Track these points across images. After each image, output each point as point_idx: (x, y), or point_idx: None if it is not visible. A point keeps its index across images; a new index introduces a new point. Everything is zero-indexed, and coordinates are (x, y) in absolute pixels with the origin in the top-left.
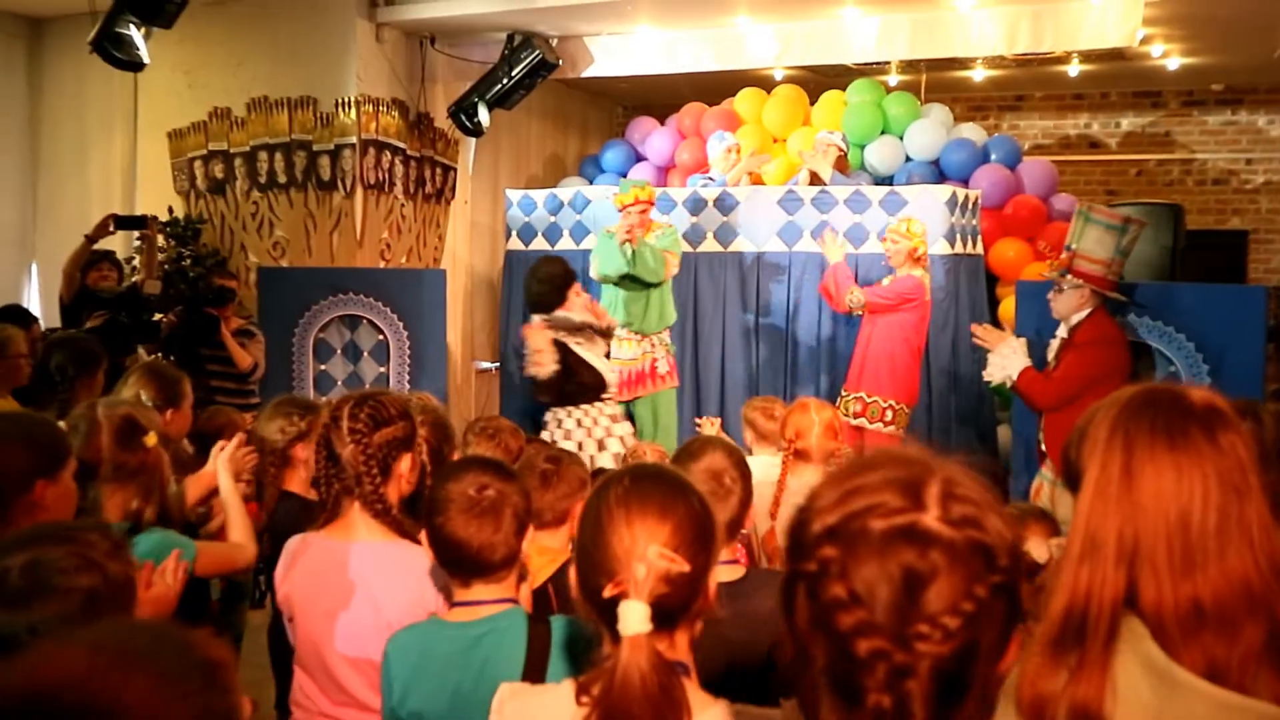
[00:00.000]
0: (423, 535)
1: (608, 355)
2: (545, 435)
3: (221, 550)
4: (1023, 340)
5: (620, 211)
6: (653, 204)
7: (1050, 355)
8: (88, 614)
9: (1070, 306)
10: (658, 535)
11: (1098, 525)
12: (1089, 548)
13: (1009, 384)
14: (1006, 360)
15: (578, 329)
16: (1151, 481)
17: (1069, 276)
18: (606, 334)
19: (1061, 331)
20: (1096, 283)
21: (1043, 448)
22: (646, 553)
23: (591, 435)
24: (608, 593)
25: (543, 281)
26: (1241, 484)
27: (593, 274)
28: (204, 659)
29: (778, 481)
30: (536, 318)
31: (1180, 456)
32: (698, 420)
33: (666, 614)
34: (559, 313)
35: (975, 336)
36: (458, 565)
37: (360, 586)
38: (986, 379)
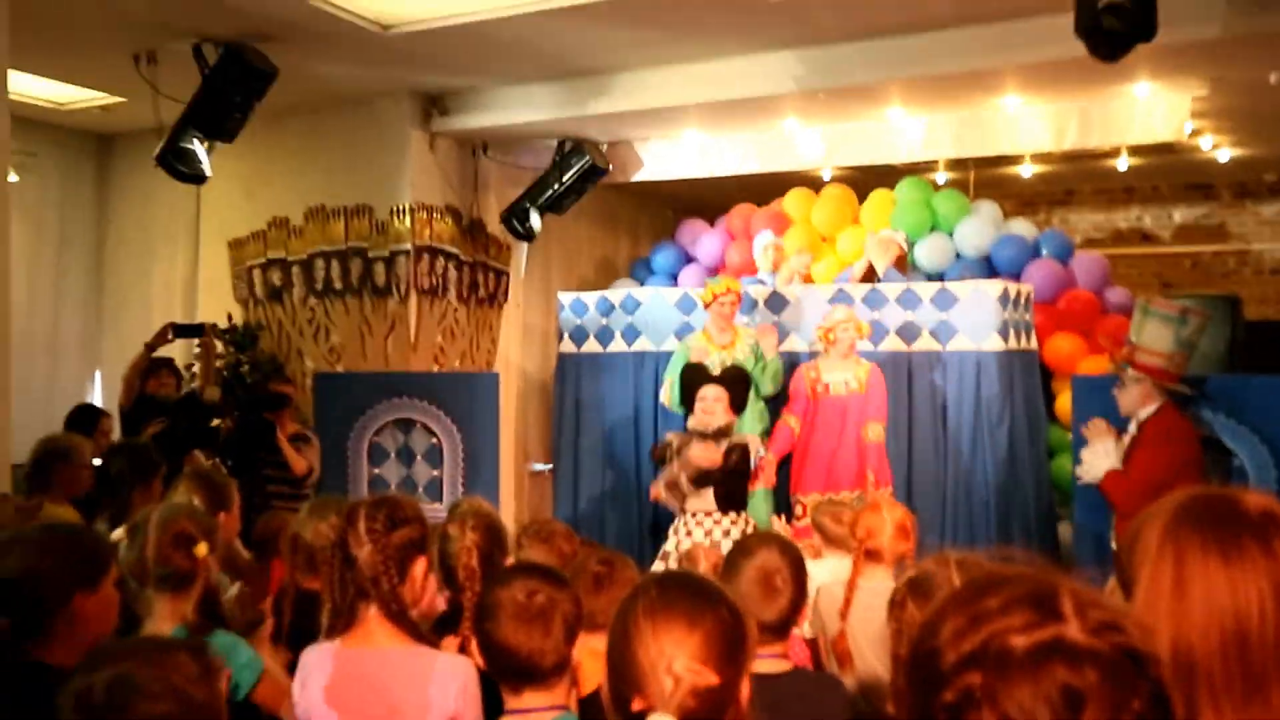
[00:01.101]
0: (472, 644)
1: None
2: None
3: (285, 685)
4: (1115, 442)
5: (707, 308)
6: (740, 299)
7: (1122, 453)
8: None
9: (1135, 401)
10: (685, 646)
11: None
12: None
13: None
14: (1099, 460)
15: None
16: (1203, 594)
17: (1130, 370)
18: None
19: (1131, 428)
20: (1158, 375)
21: (1114, 546)
22: (673, 665)
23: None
24: (635, 706)
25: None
26: None
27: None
28: None
29: (848, 583)
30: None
31: (1233, 567)
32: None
33: None
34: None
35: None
36: (508, 672)
37: (381, 697)
38: (1078, 476)
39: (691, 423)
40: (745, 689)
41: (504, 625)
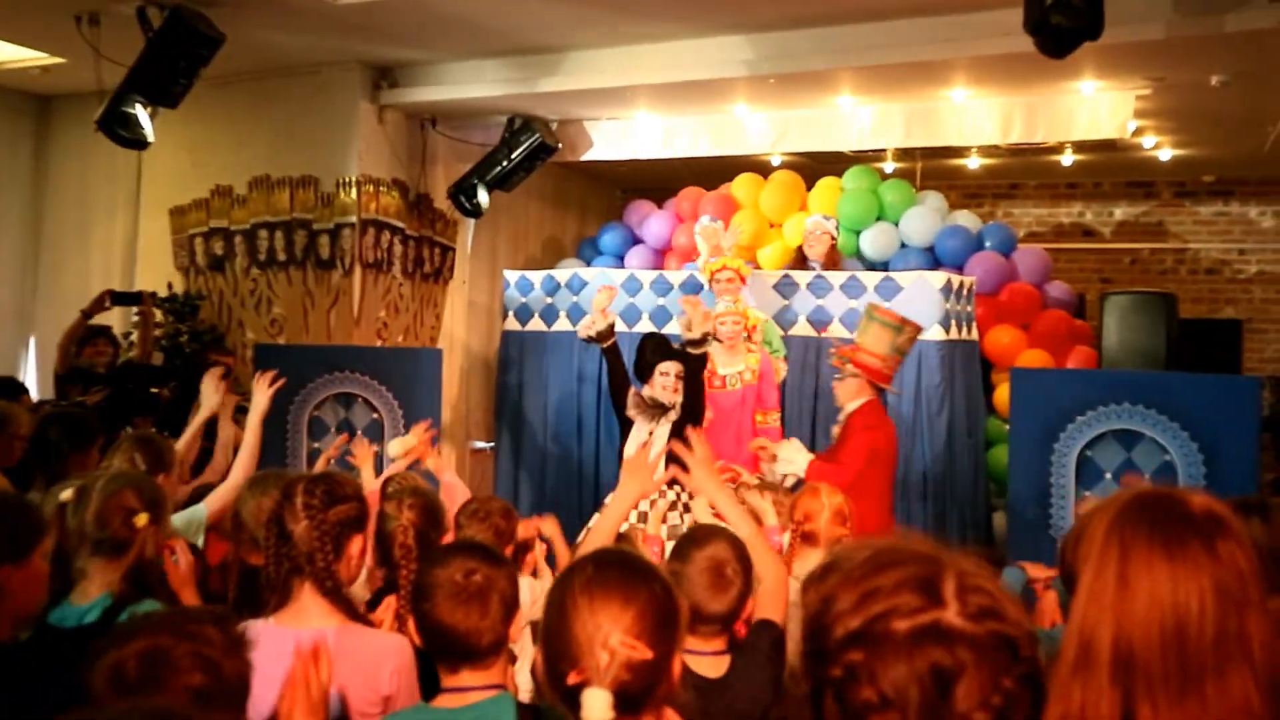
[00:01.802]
0: (409, 622)
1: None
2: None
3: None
4: (796, 440)
5: (710, 280)
6: (741, 278)
7: (832, 438)
8: (198, 710)
9: (849, 394)
10: (620, 622)
11: (1091, 632)
12: (1083, 656)
13: (799, 477)
14: (796, 455)
15: (649, 408)
16: (1146, 590)
17: (850, 366)
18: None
19: (840, 418)
20: (872, 374)
21: None
22: (609, 640)
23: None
24: (571, 680)
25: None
26: (1241, 596)
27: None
28: None
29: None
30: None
31: (1177, 565)
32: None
33: (630, 700)
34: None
35: (758, 451)
36: (445, 651)
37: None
38: (780, 475)
39: (648, 392)
40: (677, 664)
41: (441, 605)
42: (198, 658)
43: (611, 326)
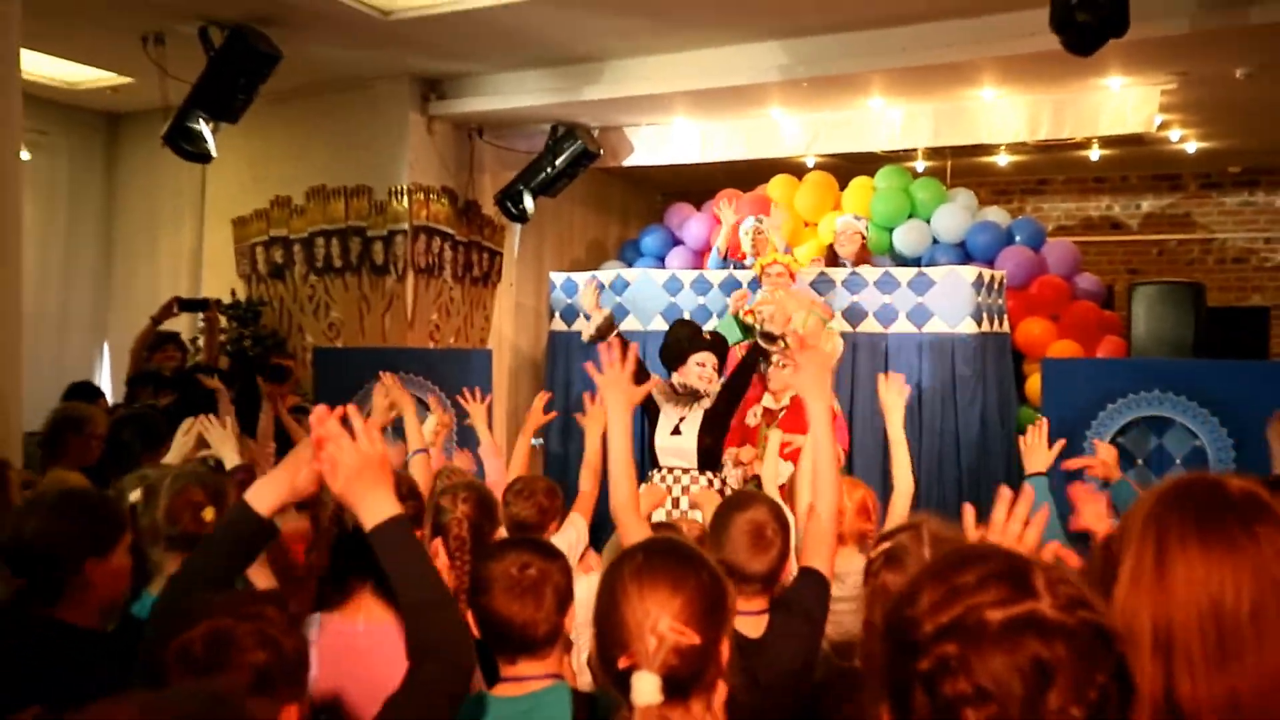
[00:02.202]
0: (468, 614)
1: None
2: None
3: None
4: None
5: (761, 275)
6: (792, 274)
7: (753, 419)
8: (261, 687)
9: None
10: (669, 608)
11: (1132, 615)
12: (1124, 636)
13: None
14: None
15: (679, 395)
16: (1183, 571)
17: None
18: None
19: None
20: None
21: None
22: (658, 625)
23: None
24: (621, 664)
25: (668, 341)
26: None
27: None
28: None
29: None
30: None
31: (1212, 547)
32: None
33: (679, 684)
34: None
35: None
36: (502, 643)
37: (369, 671)
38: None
39: (679, 379)
40: (725, 649)
41: (498, 598)
42: (259, 636)
43: (610, 321)
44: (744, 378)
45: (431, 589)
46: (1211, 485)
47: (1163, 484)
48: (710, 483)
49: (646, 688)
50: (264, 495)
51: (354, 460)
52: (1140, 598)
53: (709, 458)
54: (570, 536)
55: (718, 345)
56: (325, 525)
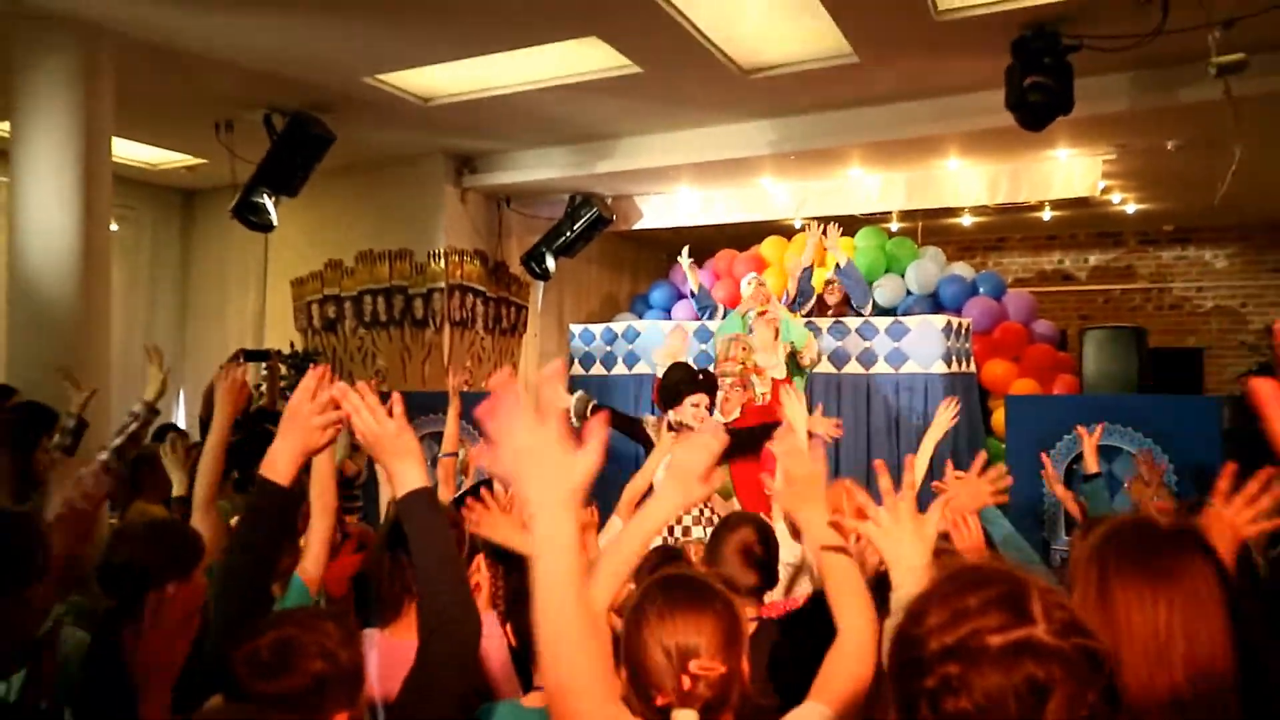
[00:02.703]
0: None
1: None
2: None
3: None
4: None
5: (753, 323)
6: (770, 300)
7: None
8: (316, 694)
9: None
10: (695, 646)
11: None
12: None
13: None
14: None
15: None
16: (1123, 602)
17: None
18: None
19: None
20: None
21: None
22: (689, 666)
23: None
24: (659, 702)
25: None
26: (1206, 599)
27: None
28: None
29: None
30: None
31: (1150, 579)
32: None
33: (711, 708)
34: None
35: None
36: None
37: None
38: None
39: (675, 418)
40: (745, 666)
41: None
42: (319, 647)
43: (586, 403)
44: (746, 447)
45: (444, 560)
46: (1145, 527)
47: (1104, 527)
48: (701, 512)
49: None
50: (278, 465)
51: (385, 430)
52: (1090, 622)
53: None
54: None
55: (710, 385)
56: (377, 549)
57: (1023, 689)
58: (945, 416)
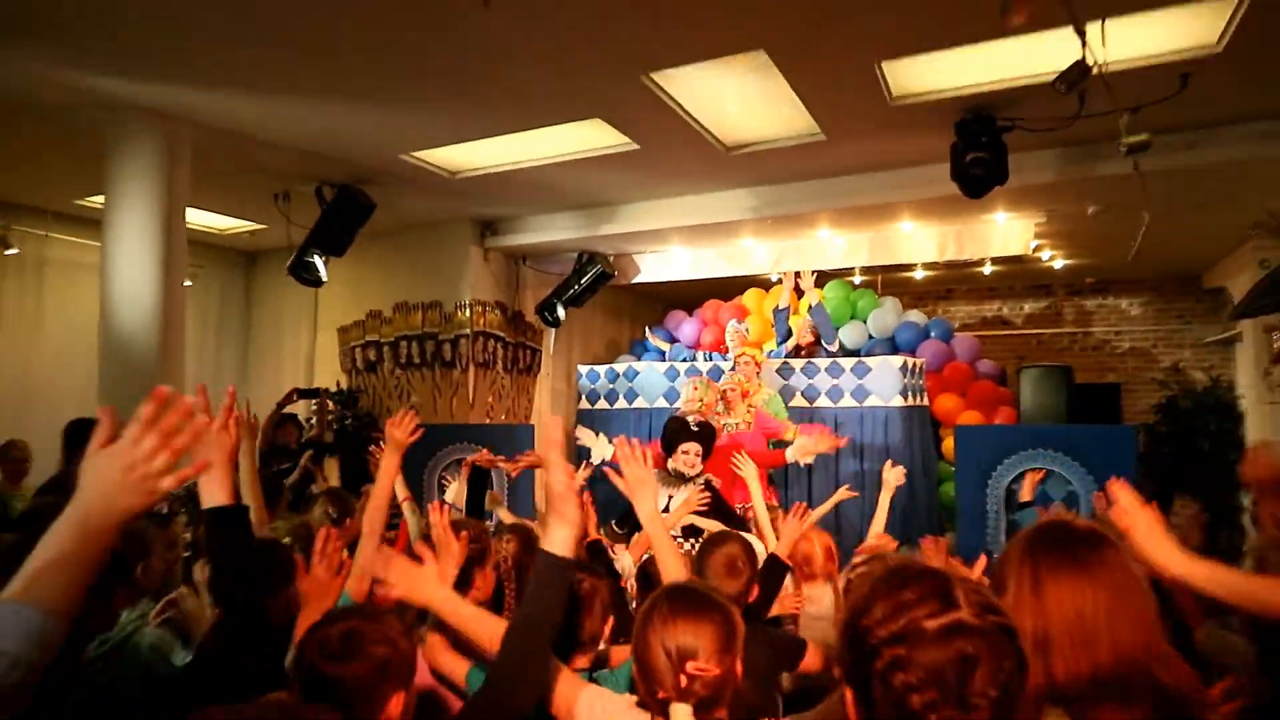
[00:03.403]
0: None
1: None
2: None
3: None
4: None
5: (736, 362)
6: (760, 366)
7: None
8: (377, 677)
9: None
10: (693, 650)
11: (1019, 624)
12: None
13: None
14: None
15: (670, 478)
16: (1053, 591)
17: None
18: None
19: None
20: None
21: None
22: (686, 667)
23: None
24: (660, 696)
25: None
26: (1123, 584)
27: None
28: None
29: (795, 593)
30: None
31: (1073, 571)
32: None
33: (705, 705)
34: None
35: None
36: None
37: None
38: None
39: (672, 465)
40: (739, 667)
41: None
42: (382, 636)
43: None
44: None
45: (539, 626)
46: (1065, 527)
47: (1030, 529)
48: (693, 546)
49: (681, 716)
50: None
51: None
52: (1022, 612)
53: (690, 529)
54: (625, 562)
55: (703, 435)
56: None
57: (956, 661)
58: (894, 476)
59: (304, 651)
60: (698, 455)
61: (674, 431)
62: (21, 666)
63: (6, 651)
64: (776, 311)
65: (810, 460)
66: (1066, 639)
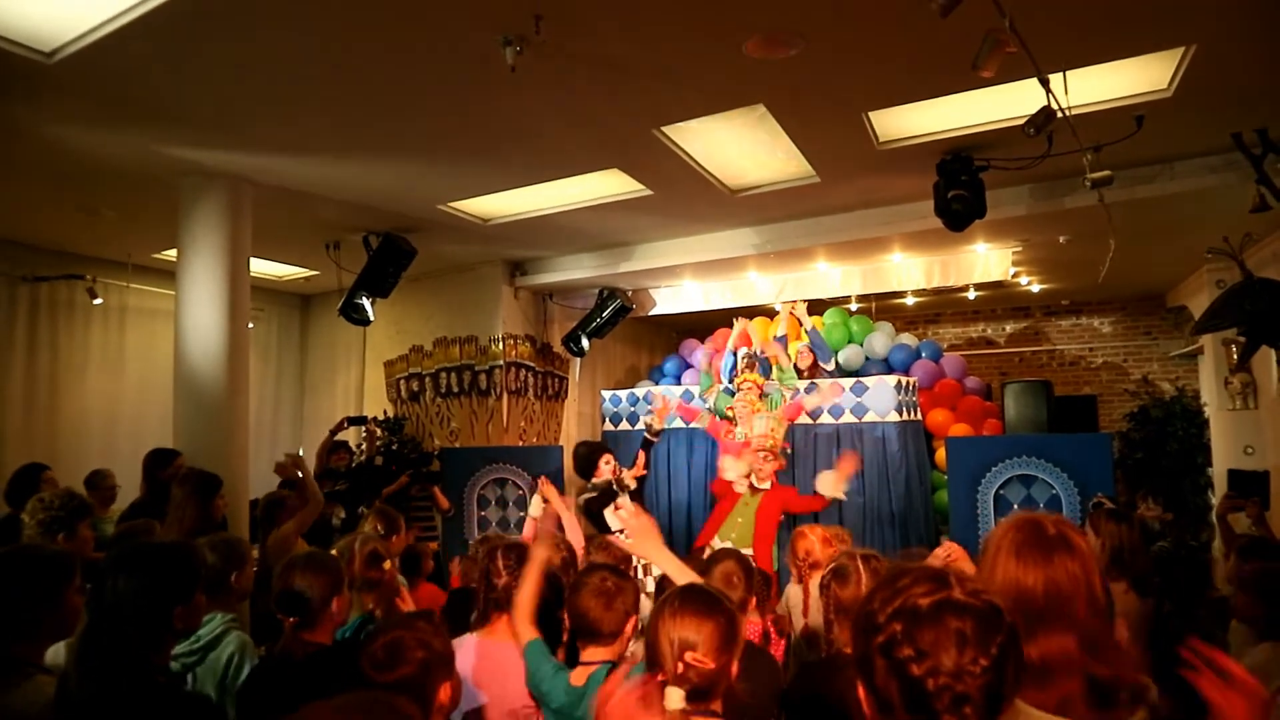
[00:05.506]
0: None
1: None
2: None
3: None
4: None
5: (737, 389)
6: (760, 388)
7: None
8: (423, 675)
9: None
10: (694, 641)
11: None
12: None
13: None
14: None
15: (604, 491)
16: (1001, 576)
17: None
18: (623, 488)
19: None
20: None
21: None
22: (685, 655)
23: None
24: (659, 678)
25: (576, 459)
26: (1067, 584)
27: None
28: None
29: (802, 587)
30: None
31: (1023, 560)
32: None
33: (699, 693)
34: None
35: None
36: (581, 631)
37: (511, 676)
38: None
39: (598, 479)
40: (735, 668)
41: (583, 596)
42: (419, 640)
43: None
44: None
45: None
46: (1034, 522)
47: (1006, 521)
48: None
49: (674, 698)
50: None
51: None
52: (994, 588)
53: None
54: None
55: (609, 448)
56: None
57: (950, 634)
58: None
59: (359, 667)
60: (614, 461)
61: (589, 453)
62: None
63: None
64: (779, 339)
65: (844, 491)
66: (1019, 618)
